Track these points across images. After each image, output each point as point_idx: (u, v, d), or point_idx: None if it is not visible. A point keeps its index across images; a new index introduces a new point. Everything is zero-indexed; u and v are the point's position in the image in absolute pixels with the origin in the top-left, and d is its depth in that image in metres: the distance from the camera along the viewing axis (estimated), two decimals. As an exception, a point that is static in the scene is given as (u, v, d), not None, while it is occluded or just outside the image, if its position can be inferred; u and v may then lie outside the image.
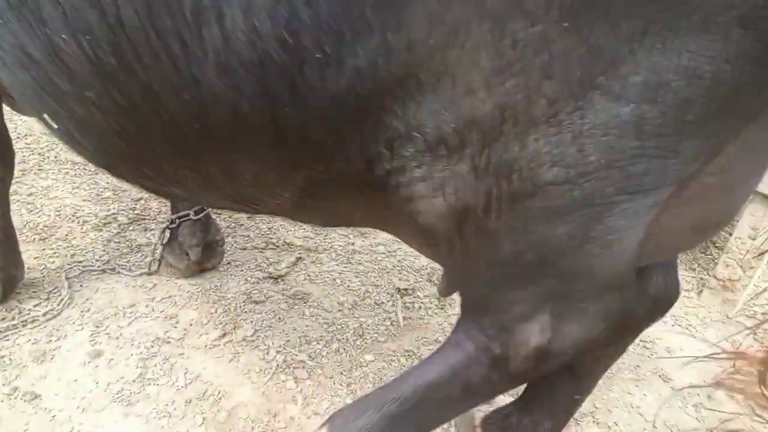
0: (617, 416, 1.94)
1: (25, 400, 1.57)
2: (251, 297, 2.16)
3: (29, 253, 2.21)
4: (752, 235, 2.66)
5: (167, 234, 2.21)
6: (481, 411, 1.60)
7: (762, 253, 2.61)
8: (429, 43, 0.77)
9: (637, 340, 2.35)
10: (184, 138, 0.95)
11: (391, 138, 0.88)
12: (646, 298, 1.30)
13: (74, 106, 0.96)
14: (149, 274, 2.19)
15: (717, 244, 3.37)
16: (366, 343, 2.04)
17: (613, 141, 0.77)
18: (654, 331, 2.45)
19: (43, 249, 2.25)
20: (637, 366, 2.23)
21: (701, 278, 3.01)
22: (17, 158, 2.18)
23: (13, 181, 2.42)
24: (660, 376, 2.20)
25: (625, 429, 1.89)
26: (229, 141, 0.94)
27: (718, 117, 0.78)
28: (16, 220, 2.38)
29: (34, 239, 2.31)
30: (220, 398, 1.69)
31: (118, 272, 2.17)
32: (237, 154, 0.98)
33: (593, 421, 1.90)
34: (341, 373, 1.87)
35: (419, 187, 0.92)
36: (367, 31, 0.77)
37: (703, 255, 3.26)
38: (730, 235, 3.13)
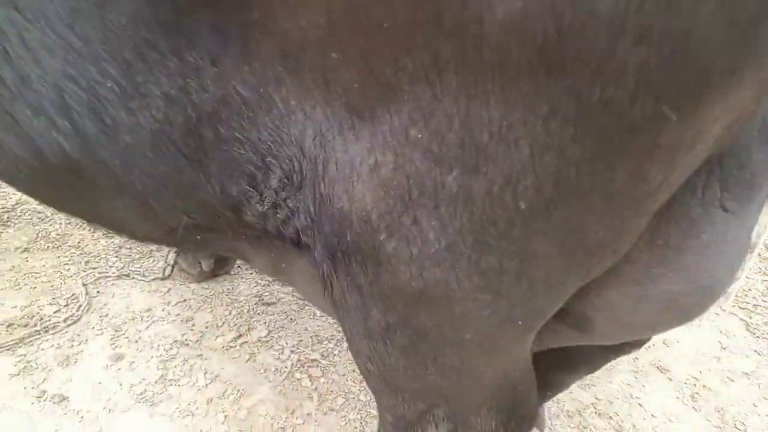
0: (618, 407, 2.02)
1: (54, 402, 1.64)
2: (263, 299, 2.23)
3: (44, 261, 2.27)
4: (743, 230, 2.75)
5: (179, 240, 2.27)
6: None
7: (752, 249, 2.71)
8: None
9: (635, 334, 2.45)
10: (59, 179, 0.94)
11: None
12: None
13: None
14: (163, 278, 2.25)
15: (709, 240, 3.46)
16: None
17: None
18: (651, 325, 2.54)
19: (58, 257, 2.31)
20: (636, 358, 2.32)
21: (695, 273, 3.10)
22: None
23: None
24: (658, 367, 2.28)
25: (625, 419, 1.97)
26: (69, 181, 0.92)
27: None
28: (29, 230, 2.45)
29: (48, 248, 2.37)
30: (239, 397, 1.76)
31: (133, 278, 2.23)
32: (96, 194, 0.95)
33: (595, 413, 1.98)
34: (353, 371, 1.94)
35: None
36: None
37: (696, 250, 3.36)
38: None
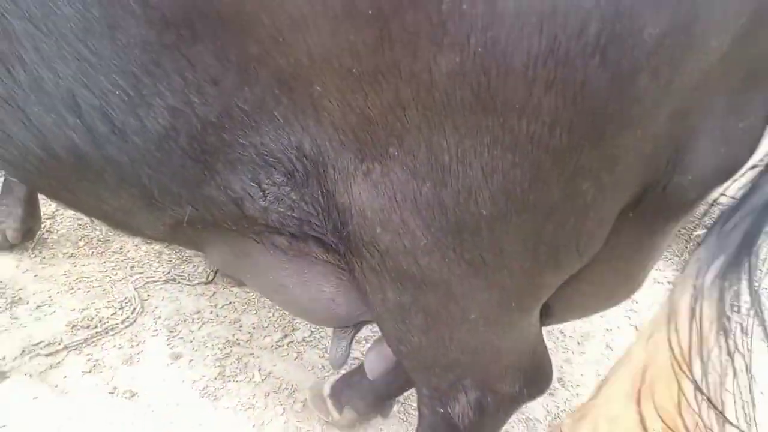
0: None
1: (125, 398, 1.77)
2: (301, 302, 2.38)
3: (92, 266, 2.39)
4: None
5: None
6: (328, 383, 1.83)
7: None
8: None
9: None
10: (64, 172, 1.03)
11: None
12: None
13: None
14: (206, 283, 2.40)
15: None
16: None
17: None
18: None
19: (104, 262, 2.44)
20: (643, 356, 2.52)
21: (690, 277, 3.32)
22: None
23: None
24: (663, 364, 2.48)
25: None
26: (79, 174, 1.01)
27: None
28: (72, 235, 2.57)
29: (92, 253, 2.49)
30: (293, 391, 1.91)
31: (179, 282, 2.37)
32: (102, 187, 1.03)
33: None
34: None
35: None
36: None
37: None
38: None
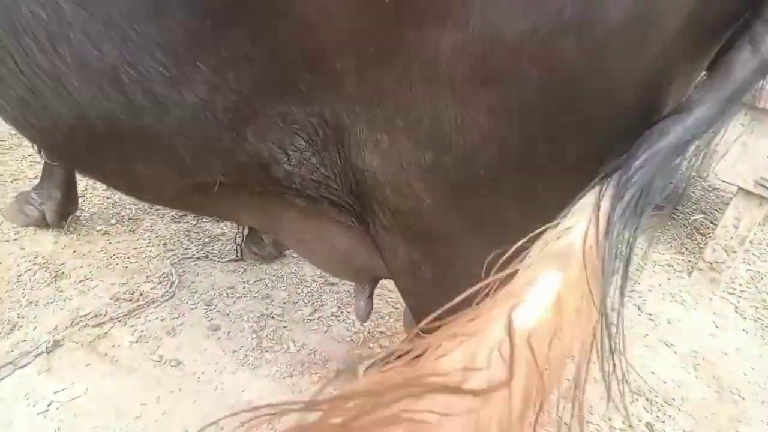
0: (634, 375, 2.37)
1: (172, 366, 1.91)
2: (327, 279, 2.52)
3: (126, 243, 2.51)
4: (735, 224, 3.12)
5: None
6: (363, 363, 1.91)
7: (743, 240, 3.09)
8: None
9: (643, 313, 2.81)
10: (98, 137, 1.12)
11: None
12: None
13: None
14: (236, 260, 2.52)
15: (701, 231, 3.85)
16: (427, 317, 2.42)
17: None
18: (656, 306, 2.91)
19: (137, 239, 2.56)
20: (646, 335, 2.68)
21: (689, 261, 3.48)
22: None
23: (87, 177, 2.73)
24: (665, 343, 2.65)
25: (642, 385, 2.32)
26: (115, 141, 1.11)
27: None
28: (103, 213, 2.68)
29: (125, 231, 2.61)
30: (326, 361, 2.05)
31: (211, 259, 2.49)
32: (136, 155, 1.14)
33: (616, 379, 2.33)
34: (414, 342, 2.24)
35: None
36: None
37: (689, 241, 3.73)
38: (714, 224, 3.62)
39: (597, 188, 0.83)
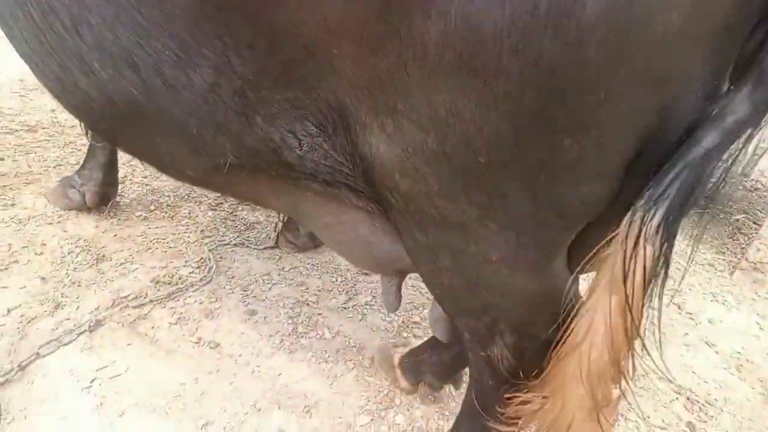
0: (675, 373, 2.31)
1: (210, 347, 1.93)
2: (361, 269, 2.52)
3: (165, 229, 2.55)
4: (781, 223, 3.03)
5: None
6: (398, 352, 1.93)
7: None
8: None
9: (683, 312, 2.74)
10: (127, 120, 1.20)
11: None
12: None
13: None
14: (272, 247, 2.54)
15: (743, 231, 3.74)
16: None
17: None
18: (697, 306, 2.83)
19: (175, 225, 2.59)
20: (686, 334, 2.61)
21: (731, 260, 3.38)
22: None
23: (126, 164, 2.80)
24: (706, 342, 2.57)
25: (683, 384, 2.26)
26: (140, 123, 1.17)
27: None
28: (142, 199, 2.73)
29: (163, 217, 2.65)
30: (361, 349, 2.05)
31: (248, 246, 2.52)
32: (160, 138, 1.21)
33: (657, 377, 2.27)
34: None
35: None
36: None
37: (731, 240, 3.63)
38: (758, 224, 3.51)
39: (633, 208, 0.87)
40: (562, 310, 1.05)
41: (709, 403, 2.19)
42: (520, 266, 1.04)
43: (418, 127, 0.90)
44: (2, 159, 2.80)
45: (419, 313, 2.32)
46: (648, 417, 2.07)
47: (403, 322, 2.25)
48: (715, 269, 3.27)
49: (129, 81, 1.07)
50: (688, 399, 2.19)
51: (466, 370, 1.83)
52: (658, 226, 0.87)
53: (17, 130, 3.13)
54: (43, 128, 3.23)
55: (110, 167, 2.54)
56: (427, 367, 1.80)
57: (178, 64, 1.01)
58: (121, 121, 1.21)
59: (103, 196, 2.53)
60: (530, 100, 0.80)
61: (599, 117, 0.83)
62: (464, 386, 1.92)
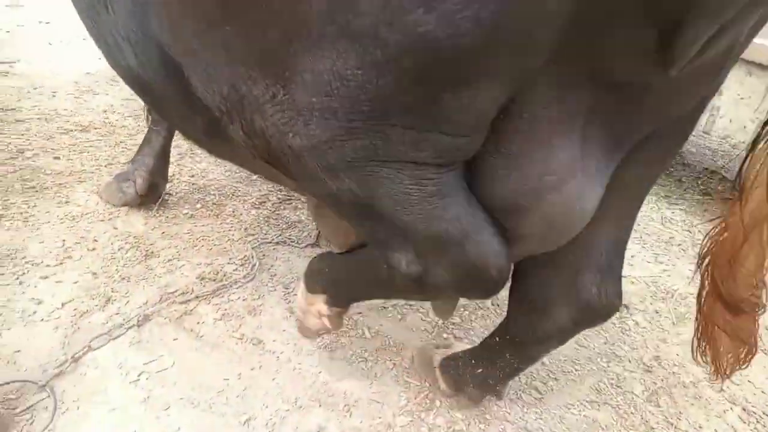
0: (728, 383, 2.21)
1: (253, 344, 1.96)
2: (402, 268, 2.51)
3: (211, 227, 2.61)
4: None
5: (323, 212, 2.57)
6: (438, 354, 1.88)
7: None
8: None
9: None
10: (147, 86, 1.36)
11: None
12: (571, 304, 1.42)
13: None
14: (313, 246, 2.56)
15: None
16: (503, 311, 2.36)
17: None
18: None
19: (220, 224, 2.65)
20: (741, 340, 2.49)
21: (790, 265, 3.21)
22: (173, 143, 2.71)
23: (173, 162, 2.87)
24: (763, 351, 2.45)
25: (737, 393, 2.16)
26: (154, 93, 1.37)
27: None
28: (189, 197, 2.79)
29: (209, 215, 2.71)
30: (400, 349, 2.04)
31: (289, 244, 2.55)
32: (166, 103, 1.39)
33: (708, 386, 2.18)
34: (486, 332, 2.19)
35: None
36: None
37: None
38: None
39: None
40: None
41: (767, 415, 2.09)
42: (407, 202, 1.06)
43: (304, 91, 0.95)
44: (58, 158, 2.93)
45: (460, 315, 2.29)
46: (700, 427, 1.99)
47: (442, 322, 2.23)
48: (773, 273, 3.12)
49: (129, 59, 1.27)
50: (743, 410, 2.09)
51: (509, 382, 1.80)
52: None
53: (72, 130, 3.27)
54: (96, 128, 3.36)
55: (162, 157, 2.62)
56: (469, 379, 1.76)
57: (133, 47, 1.26)
58: (143, 89, 1.42)
59: (152, 186, 2.60)
60: (411, 70, 0.85)
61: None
62: (508, 397, 1.90)
